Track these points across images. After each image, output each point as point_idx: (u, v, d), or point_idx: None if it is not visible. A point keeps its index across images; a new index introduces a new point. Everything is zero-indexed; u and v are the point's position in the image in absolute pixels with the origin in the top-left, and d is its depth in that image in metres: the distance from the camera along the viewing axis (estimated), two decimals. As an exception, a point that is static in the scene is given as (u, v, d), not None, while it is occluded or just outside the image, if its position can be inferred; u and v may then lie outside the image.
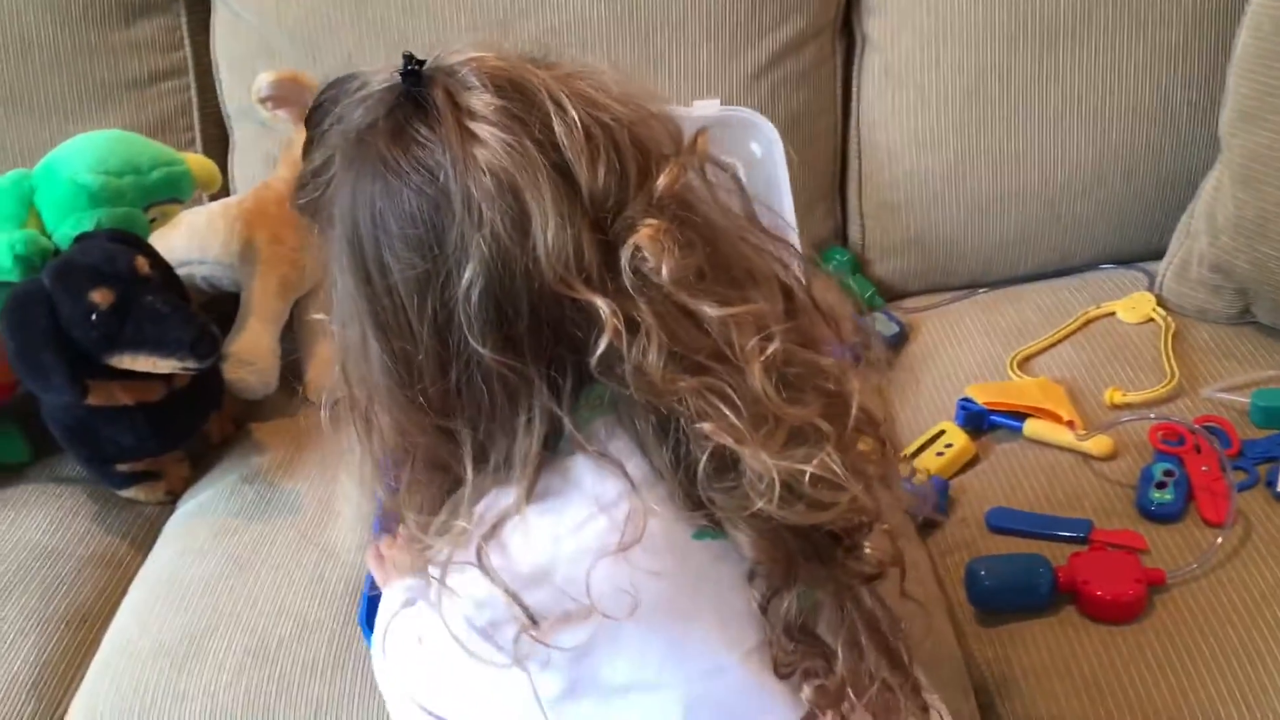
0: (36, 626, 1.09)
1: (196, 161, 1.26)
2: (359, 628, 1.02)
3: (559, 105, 0.66)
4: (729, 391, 0.66)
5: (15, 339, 1.09)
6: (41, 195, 1.17)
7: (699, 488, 0.68)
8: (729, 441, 0.65)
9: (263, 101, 1.36)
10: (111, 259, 1.10)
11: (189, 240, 1.35)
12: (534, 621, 0.68)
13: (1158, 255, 1.41)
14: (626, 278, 0.65)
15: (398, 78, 0.68)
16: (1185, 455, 1.12)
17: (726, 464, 0.67)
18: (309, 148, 0.73)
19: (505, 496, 0.69)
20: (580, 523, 0.68)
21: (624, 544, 0.67)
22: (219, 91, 1.50)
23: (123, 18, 1.44)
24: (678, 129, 0.71)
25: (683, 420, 0.67)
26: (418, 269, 0.66)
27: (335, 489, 1.21)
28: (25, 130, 1.43)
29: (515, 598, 0.67)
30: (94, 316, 1.07)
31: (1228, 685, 0.93)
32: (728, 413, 0.66)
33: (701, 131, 0.71)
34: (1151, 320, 1.35)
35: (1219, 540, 1.03)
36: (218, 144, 1.51)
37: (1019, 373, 1.30)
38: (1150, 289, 1.39)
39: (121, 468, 1.22)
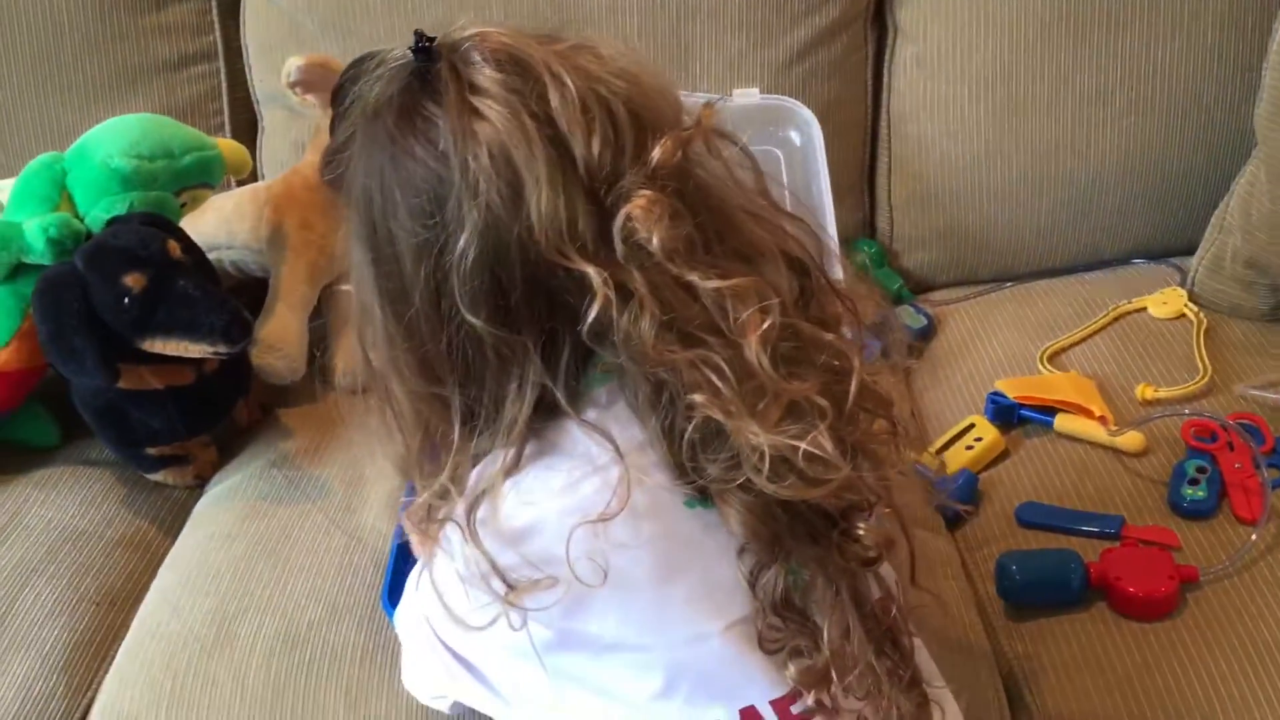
0: (66, 608, 1.09)
1: (227, 146, 1.26)
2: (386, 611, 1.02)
3: (557, 78, 0.68)
4: (721, 364, 0.67)
5: (47, 322, 1.09)
6: (74, 178, 1.17)
7: (689, 457, 0.69)
8: (718, 414, 0.66)
9: (292, 86, 1.35)
10: (144, 242, 1.10)
11: (217, 225, 1.35)
12: (511, 586, 0.69)
13: (1189, 250, 1.40)
14: (619, 247, 0.67)
15: (410, 54, 0.72)
16: (1218, 452, 1.11)
17: (716, 435, 0.68)
18: (334, 125, 0.77)
19: (496, 461, 0.72)
20: (574, 481, 0.70)
21: (611, 509, 0.68)
22: (248, 76, 1.50)
23: (153, 1, 1.44)
24: (678, 103, 0.72)
25: (675, 390, 0.68)
26: (419, 237, 0.69)
27: (363, 474, 1.22)
28: (56, 113, 1.43)
29: (493, 563, 0.69)
30: (126, 300, 1.07)
31: (1260, 683, 0.92)
32: (720, 385, 0.67)
33: (707, 107, 0.72)
34: (1183, 316, 1.34)
35: (1253, 537, 1.03)
36: (246, 129, 1.51)
37: (1049, 367, 1.29)
38: (1182, 284, 1.38)
39: (150, 451, 1.22)
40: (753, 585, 0.71)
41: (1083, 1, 1.37)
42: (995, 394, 1.23)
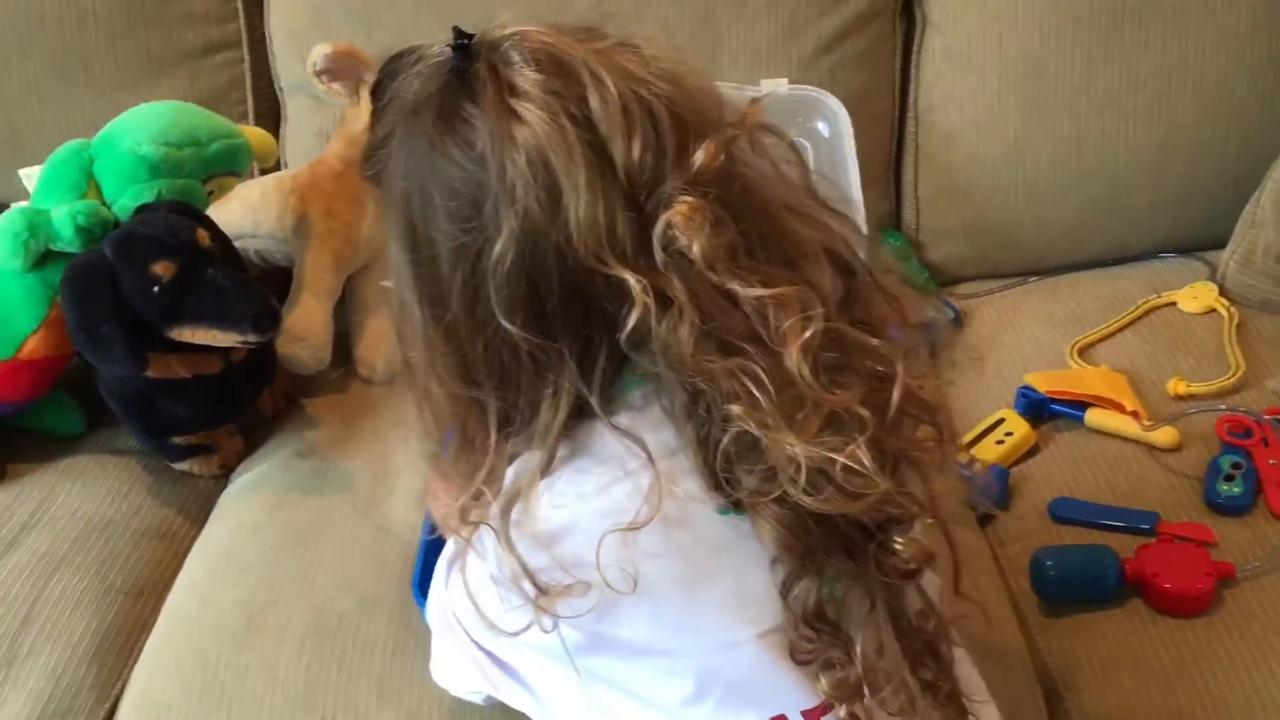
0: (94, 598, 1.09)
1: (254, 134, 1.25)
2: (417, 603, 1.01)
3: (597, 80, 0.66)
4: (761, 374, 0.65)
5: (76, 310, 1.09)
6: (101, 165, 1.17)
7: (723, 467, 0.68)
8: (753, 428, 0.65)
9: (318, 74, 1.35)
10: (173, 231, 1.09)
11: (242, 214, 1.34)
12: (542, 590, 0.68)
13: (1219, 244, 1.39)
14: (659, 255, 0.66)
15: (448, 52, 0.70)
16: (1253, 448, 1.11)
17: (753, 447, 0.66)
18: (373, 120, 0.75)
19: (530, 463, 0.71)
20: (606, 485, 0.69)
21: (642, 517, 0.67)
22: (272, 64, 1.49)
23: (178, -12, 1.43)
24: (721, 102, 0.71)
25: (712, 399, 0.67)
26: (456, 241, 0.68)
27: (389, 466, 1.21)
28: (80, 101, 1.42)
29: (525, 566, 0.69)
30: (156, 289, 1.07)
31: (1301, 681, 0.92)
32: (758, 395, 0.65)
33: (754, 103, 0.70)
34: (1214, 311, 1.33)
35: (1290, 534, 1.02)
36: (269, 117, 1.50)
37: (1079, 361, 1.28)
38: (1212, 279, 1.37)
39: (177, 440, 1.21)
40: (784, 596, 0.69)
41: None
42: (1025, 388, 1.22)
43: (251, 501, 1.19)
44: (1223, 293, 1.35)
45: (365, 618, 1.03)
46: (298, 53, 1.44)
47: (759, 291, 0.65)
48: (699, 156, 0.66)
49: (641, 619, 0.70)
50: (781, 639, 0.70)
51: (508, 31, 0.69)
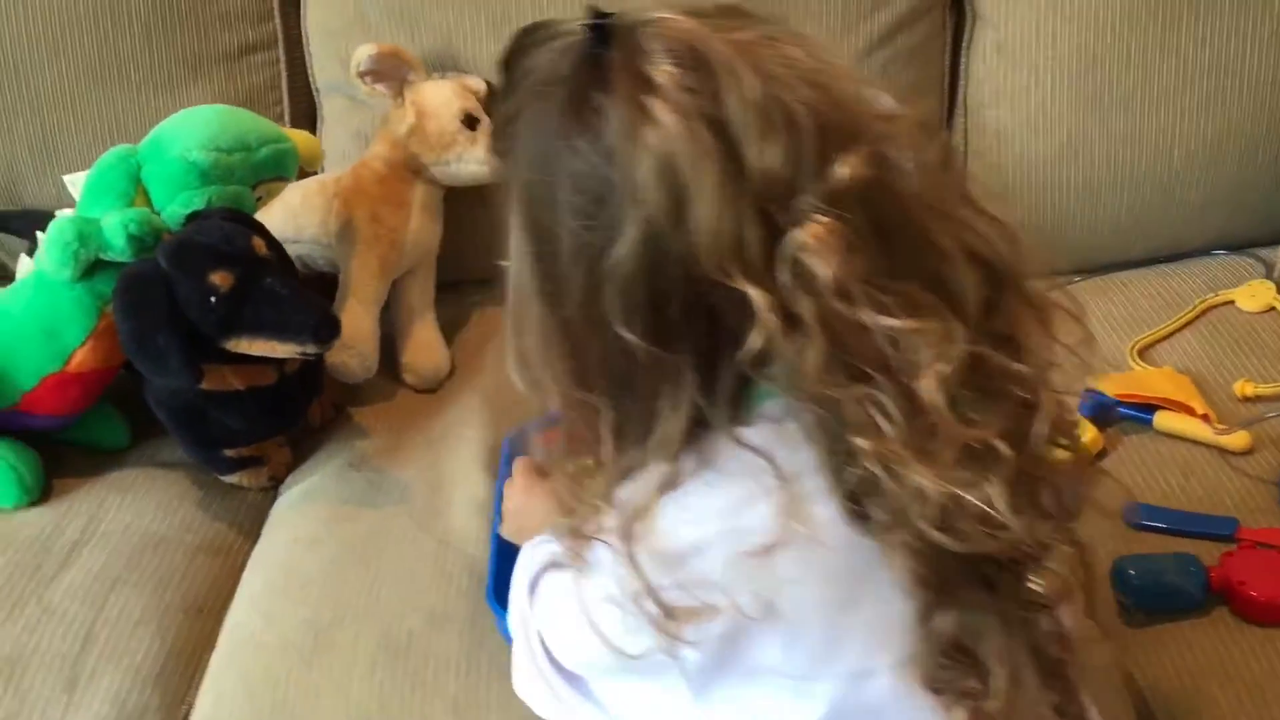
0: (154, 617, 1.06)
1: (301, 138, 1.22)
2: (490, 616, 0.98)
3: (736, 79, 0.61)
4: (889, 404, 0.61)
5: (130, 321, 1.06)
6: (149, 171, 1.14)
7: (851, 496, 0.64)
8: (877, 467, 0.62)
9: (362, 76, 1.32)
10: (230, 239, 1.06)
11: (284, 218, 1.32)
12: (669, 614, 0.65)
13: (1273, 241, 1.38)
14: (787, 273, 0.61)
15: (583, 33, 0.65)
16: (1330, 451, 1.09)
17: (879, 479, 0.63)
18: (503, 95, 0.71)
19: (651, 476, 0.67)
20: (737, 502, 0.65)
21: (777, 539, 0.64)
22: (308, 64, 1.46)
23: (214, -13, 1.40)
24: (873, 111, 0.65)
25: (836, 427, 0.63)
26: (578, 238, 0.64)
27: (444, 475, 1.19)
28: (117, 103, 1.38)
29: (649, 586, 0.65)
30: (213, 299, 1.04)
31: (1398, 690, 0.90)
32: (886, 427, 0.61)
33: (910, 107, 0.66)
34: (1273, 309, 1.31)
35: (1376, 540, 1.01)
36: (306, 119, 1.47)
37: (1140, 362, 1.27)
38: (1267, 276, 1.36)
39: (228, 453, 1.19)
40: (922, 624, 0.67)
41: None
42: (1093, 391, 1.20)
43: (306, 514, 1.16)
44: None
45: (436, 635, 1.01)
46: (335, 53, 1.41)
47: (894, 323, 0.61)
48: (841, 171, 0.61)
49: (775, 645, 0.68)
50: (917, 667, 0.67)
51: (648, 17, 0.64)
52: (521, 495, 0.96)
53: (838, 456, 0.64)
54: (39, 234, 1.14)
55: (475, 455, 1.20)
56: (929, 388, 0.61)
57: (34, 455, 1.18)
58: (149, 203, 1.14)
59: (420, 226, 1.36)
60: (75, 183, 1.17)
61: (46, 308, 1.13)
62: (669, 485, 0.67)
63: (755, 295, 0.61)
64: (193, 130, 1.14)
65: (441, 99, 1.33)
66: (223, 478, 1.21)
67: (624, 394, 0.67)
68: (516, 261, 0.69)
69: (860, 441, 0.62)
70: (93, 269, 1.12)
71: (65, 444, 1.22)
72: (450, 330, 1.39)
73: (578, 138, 0.63)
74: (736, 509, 0.66)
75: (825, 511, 0.65)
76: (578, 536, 0.71)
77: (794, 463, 0.65)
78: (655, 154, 0.61)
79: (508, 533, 0.99)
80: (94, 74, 1.38)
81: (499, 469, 1.13)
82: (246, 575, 1.12)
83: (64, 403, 1.16)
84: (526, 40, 0.69)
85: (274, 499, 1.22)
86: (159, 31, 1.38)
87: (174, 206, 1.13)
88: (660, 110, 0.61)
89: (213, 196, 1.13)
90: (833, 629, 0.68)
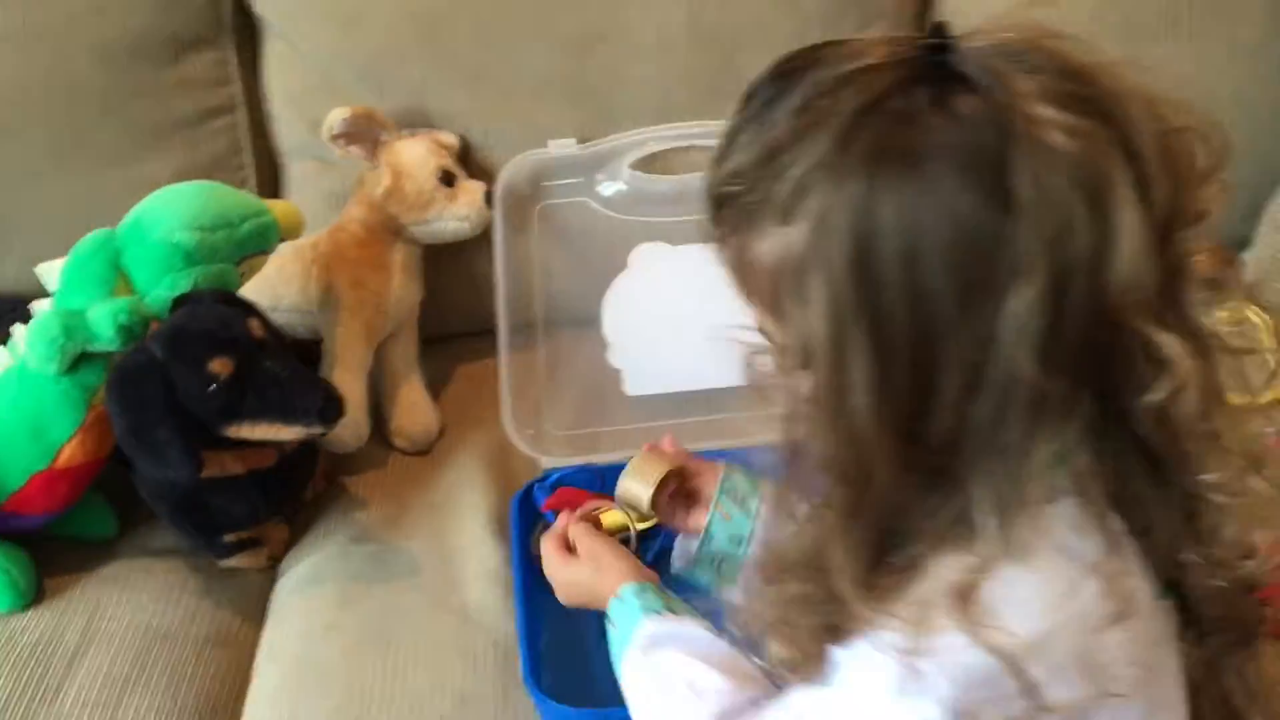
0: (170, 720, 1.02)
1: (281, 208, 1.19)
2: (523, 696, 0.97)
3: (1129, 99, 0.57)
4: (1230, 440, 0.61)
5: (127, 415, 1.02)
6: (131, 256, 1.09)
7: (1177, 546, 0.64)
8: (1227, 497, 0.61)
9: (335, 139, 1.30)
10: (226, 324, 1.03)
11: (260, 288, 1.27)
12: (1038, 702, 0.59)
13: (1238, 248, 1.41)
14: (1187, 313, 0.58)
15: (912, 55, 0.57)
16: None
17: (1215, 521, 0.63)
18: (735, 135, 0.62)
19: (974, 552, 0.60)
20: (1071, 585, 0.60)
21: (1113, 617, 0.60)
22: (270, 128, 1.42)
23: (171, 54, 1.34)
24: (1215, 140, 0.61)
25: (1180, 471, 0.61)
26: (958, 283, 0.56)
27: (450, 545, 1.16)
28: (74, 179, 1.33)
29: (1019, 671, 0.58)
30: (213, 387, 1.01)
31: None
32: (1236, 464, 0.61)
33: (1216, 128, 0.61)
34: (1245, 320, 1.34)
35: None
36: (270, 183, 1.43)
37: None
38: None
39: (228, 538, 1.15)
40: (1201, 677, 0.67)
41: (1131, 11, 1.37)
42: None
43: (314, 598, 1.13)
44: (1248, 296, 1.36)
45: (468, 717, 0.98)
46: (301, 115, 1.38)
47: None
48: (1210, 206, 0.58)
49: None
50: None
51: (1005, 38, 0.58)
52: (563, 569, 0.93)
53: (1170, 503, 0.63)
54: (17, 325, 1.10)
55: (482, 522, 1.17)
56: (1256, 419, 0.64)
57: (26, 557, 1.13)
58: (130, 288, 1.10)
59: (402, 287, 1.33)
60: (50, 271, 1.12)
61: (31, 404, 1.08)
62: (999, 561, 0.60)
63: (1168, 342, 0.57)
64: (174, 210, 1.10)
65: (417, 158, 1.31)
66: (221, 563, 1.17)
67: (985, 454, 0.59)
68: (820, 333, 0.59)
69: (1213, 479, 0.61)
70: (77, 361, 1.08)
71: (51, 538, 1.17)
72: (434, 388, 1.36)
73: (948, 168, 0.56)
74: (1074, 592, 0.61)
75: (1142, 583, 0.63)
76: (858, 632, 0.63)
77: (1107, 532, 0.62)
78: (1066, 173, 0.55)
79: (570, 602, 0.94)
80: (50, 151, 1.33)
81: (511, 533, 1.11)
82: (260, 668, 1.09)
83: (52, 500, 1.12)
84: (798, 63, 0.60)
85: (274, 579, 1.19)
86: (117, 102, 1.33)
87: (159, 290, 1.09)
88: (1059, 122, 0.55)
89: (198, 277, 1.09)
90: (1149, 704, 0.66)
